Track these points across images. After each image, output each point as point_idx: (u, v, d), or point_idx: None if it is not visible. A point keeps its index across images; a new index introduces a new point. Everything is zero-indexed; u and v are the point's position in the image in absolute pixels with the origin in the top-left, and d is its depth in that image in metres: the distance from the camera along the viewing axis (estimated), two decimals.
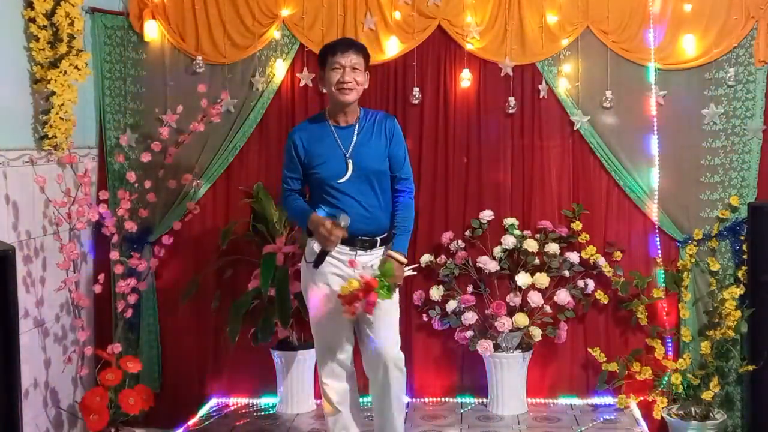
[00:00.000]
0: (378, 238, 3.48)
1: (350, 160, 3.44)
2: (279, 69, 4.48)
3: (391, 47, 4.43)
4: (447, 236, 4.43)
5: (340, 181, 3.43)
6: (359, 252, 3.45)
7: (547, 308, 4.34)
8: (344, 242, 3.41)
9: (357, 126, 3.50)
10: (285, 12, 4.44)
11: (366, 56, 3.52)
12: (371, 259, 3.48)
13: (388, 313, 3.48)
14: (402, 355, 3.52)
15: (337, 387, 3.57)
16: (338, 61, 3.42)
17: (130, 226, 4.33)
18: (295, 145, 3.51)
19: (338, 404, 3.58)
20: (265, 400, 4.61)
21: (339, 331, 3.52)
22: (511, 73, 4.41)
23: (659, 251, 4.39)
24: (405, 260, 3.50)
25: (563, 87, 4.39)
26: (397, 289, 3.50)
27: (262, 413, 4.46)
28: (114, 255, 4.29)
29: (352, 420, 3.62)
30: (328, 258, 3.43)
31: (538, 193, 4.48)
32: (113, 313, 4.50)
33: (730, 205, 4.32)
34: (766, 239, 4.04)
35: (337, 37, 4.40)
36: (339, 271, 3.45)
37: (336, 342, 3.53)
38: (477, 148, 4.49)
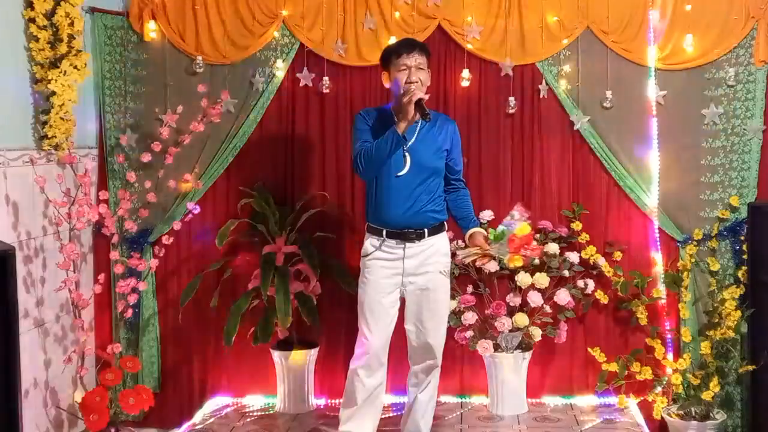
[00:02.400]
0: (426, 230, 3.59)
1: (408, 154, 3.51)
2: (279, 69, 4.48)
3: None
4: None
5: (398, 174, 3.52)
6: (408, 244, 3.56)
7: (547, 308, 4.35)
8: (392, 236, 3.56)
9: (419, 123, 3.54)
10: (285, 12, 4.44)
11: (428, 55, 3.60)
12: (423, 249, 3.58)
13: (441, 309, 3.68)
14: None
15: (368, 382, 3.61)
16: (404, 63, 3.50)
17: (130, 226, 4.34)
18: (364, 118, 3.62)
19: (360, 399, 3.62)
20: (265, 400, 4.61)
21: (384, 324, 3.60)
22: (511, 73, 4.42)
23: (659, 251, 4.39)
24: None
25: (563, 87, 4.39)
26: (449, 286, 3.75)
27: (262, 413, 4.46)
28: (114, 255, 4.30)
29: (364, 416, 3.65)
30: (377, 253, 3.59)
31: (538, 193, 4.48)
32: (113, 313, 4.50)
33: (730, 205, 4.32)
34: (766, 239, 4.04)
35: (337, 37, 4.42)
36: (388, 264, 3.58)
37: (379, 335, 3.59)
38: (477, 148, 4.49)
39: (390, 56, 3.56)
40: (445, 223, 3.69)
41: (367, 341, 3.60)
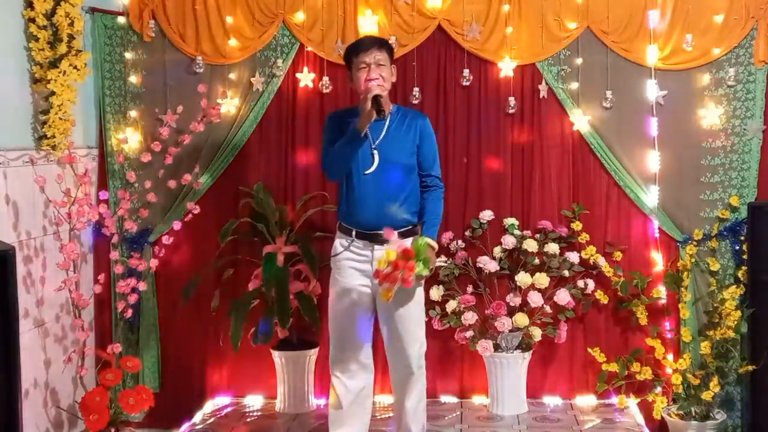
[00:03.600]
0: (396, 232, 3.49)
1: (376, 152, 3.48)
2: (279, 69, 4.48)
3: None
4: (447, 236, 4.43)
5: (366, 172, 3.48)
6: (376, 246, 3.49)
7: (547, 308, 4.35)
8: (361, 237, 3.50)
9: (387, 120, 3.52)
10: (285, 12, 4.44)
11: (389, 50, 3.55)
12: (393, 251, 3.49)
13: (412, 313, 3.54)
14: (423, 360, 3.61)
15: (347, 383, 3.59)
16: (363, 60, 3.46)
17: (130, 226, 4.33)
18: (331, 122, 3.60)
19: (343, 399, 3.60)
20: (265, 400, 4.61)
21: (355, 325, 3.56)
22: (511, 73, 4.42)
23: (659, 251, 4.39)
24: (435, 245, 3.51)
25: (563, 87, 4.39)
26: (422, 288, 3.57)
27: (262, 413, 4.46)
28: (114, 255, 4.29)
29: (352, 418, 3.63)
30: (346, 254, 3.53)
31: (538, 193, 4.48)
32: (113, 313, 4.50)
33: (730, 205, 4.32)
34: (766, 239, 4.04)
35: (337, 37, 4.42)
36: (357, 265, 3.53)
37: (350, 337, 3.56)
38: (477, 148, 4.49)
39: (350, 55, 3.53)
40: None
41: (338, 344, 3.57)
